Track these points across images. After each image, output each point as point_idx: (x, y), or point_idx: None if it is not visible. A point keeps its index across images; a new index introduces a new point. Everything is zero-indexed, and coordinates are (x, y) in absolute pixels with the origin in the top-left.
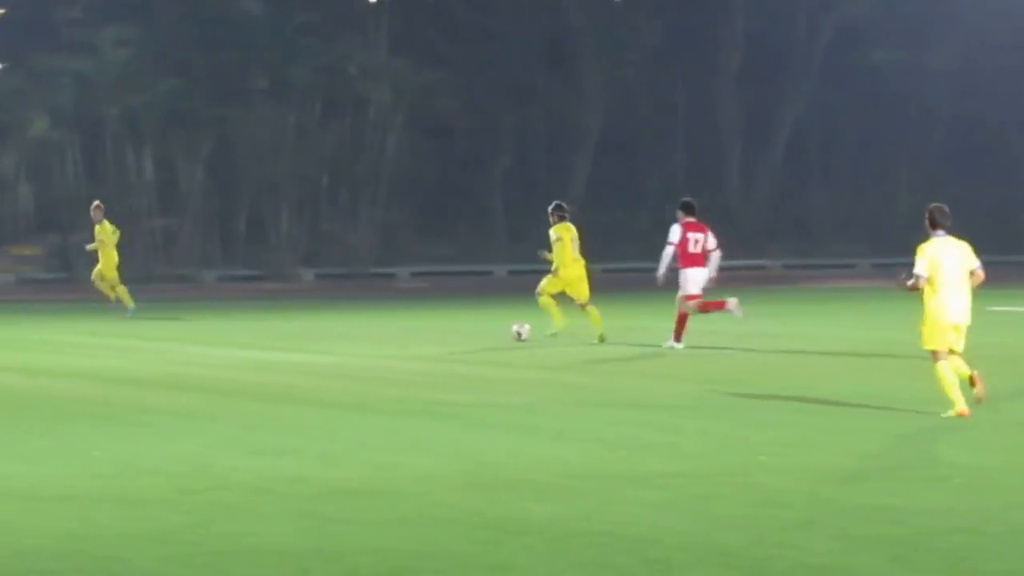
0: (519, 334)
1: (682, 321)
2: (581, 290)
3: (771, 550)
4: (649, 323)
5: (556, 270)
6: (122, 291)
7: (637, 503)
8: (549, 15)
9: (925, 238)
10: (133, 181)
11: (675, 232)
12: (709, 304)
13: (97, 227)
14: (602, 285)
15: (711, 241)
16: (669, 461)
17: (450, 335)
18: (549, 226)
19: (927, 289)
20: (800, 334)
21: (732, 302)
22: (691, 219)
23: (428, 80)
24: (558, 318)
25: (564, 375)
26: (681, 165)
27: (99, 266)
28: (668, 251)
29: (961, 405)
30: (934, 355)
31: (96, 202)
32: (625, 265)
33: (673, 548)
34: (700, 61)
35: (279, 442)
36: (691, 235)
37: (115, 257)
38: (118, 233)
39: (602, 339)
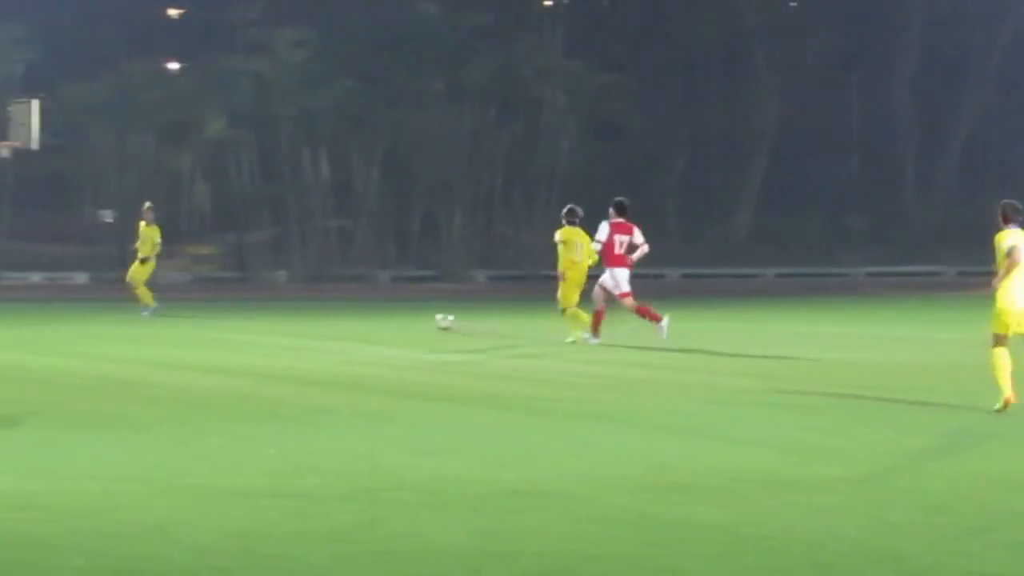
0: (444, 323)
1: (642, 312)
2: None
3: (942, 557)
4: (828, 328)
5: (563, 274)
6: (144, 292)
7: (806, 508)
8: (724, 18)
9: (998, 231)
10: (308, 181)
11: (603, 231)
12: (645, 311)
13: (144, 227)
14: (774, 290)
15: (639, 238)
16: (836, 465)
17: (620, 338)
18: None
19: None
20: (972, 340)
21: (664, 322)
22: (620, 220)
23: (602, 82)
24: (583, 319)
25: (727, 379)
26: (855, 170)
27: (134, 266)
28: (595, 247)
29: (1008, 392)
30: (996, 339)
31: (148, 204)
32: (796, 270)
33: (842, 553)
34: (875, 66)
35: (451, 443)
36: (617, 237)
37: (152, 265)
38: (159, 246)
39: (575, 341)
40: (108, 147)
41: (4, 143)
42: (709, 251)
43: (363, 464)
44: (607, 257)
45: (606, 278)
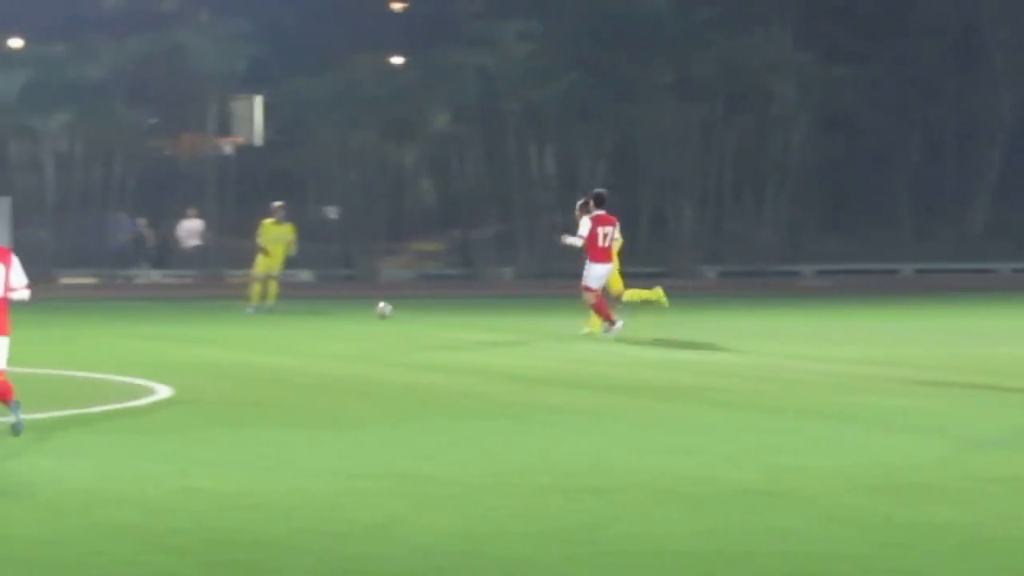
0: (383, 313)
1: (599, 309)
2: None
3: None
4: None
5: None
6: (256, 289)
7: None
8: (959, 8)
9: None
10: (534, 176)
11: (585, 224)
12: (603, 308)
13: (271, 224)
14: (1012, 285)
15: (616, 232)
16: None
17: (853, 335)
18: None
19: None
20: None
21: (618, 325)
22: (601, 212)
23: (834, 75)
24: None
25: (954, 375)
26: None
27: (263, 261)
28: (576, 242)
29: None
30: None
31: (279, 203)
32: None
33: None
34: None
35: (681, 442)
36: (600, 229)
37: (272, 259)
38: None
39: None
40: (331, 143)
41: (227, 139)
42: (943, 246)
43: (590, 463)
44: (590, 250)
45: (589, 273)
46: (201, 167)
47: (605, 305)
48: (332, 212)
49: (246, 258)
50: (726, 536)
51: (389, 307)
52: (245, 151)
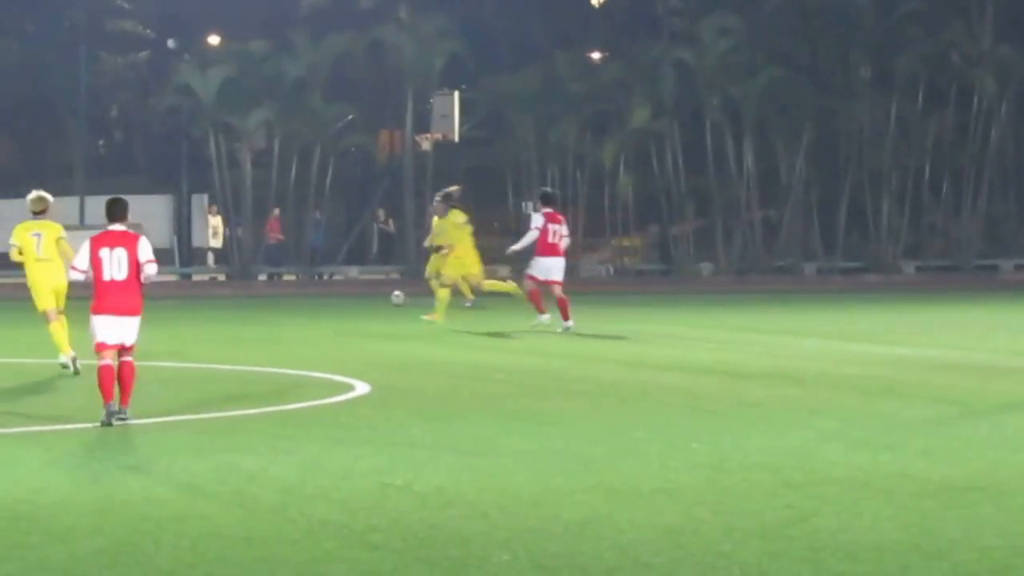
0: (398, 301)
1: (533, 298)
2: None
3: None
4: None
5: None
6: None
7: None
8: None
9: None
10: (733, 172)
11: (538, 220)
12: (536, 298)
13: (437, 221)
14: None
15: (565, 228)
16: None
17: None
18: None
19: None
20: None
21: (545, 317)
22: (550, 210)
23: None
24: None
25: None
26: None
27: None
28: (533, 235)
29: None
30: None
31: (439, 196)
32: None
33: None
34: None
35: (880, 437)
36: (551, 226)
37: (471, 254)
38: (467, 228)
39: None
40: (530, 139)
41: (426, 135)
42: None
43: (792, 458)
44: (541, 245)
45: (536, 265)
46: (399, 164)
47: (539, 296)
48: (530, 208)
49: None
50: (924, 531)
51: (402, 295)
52: (443, 147)
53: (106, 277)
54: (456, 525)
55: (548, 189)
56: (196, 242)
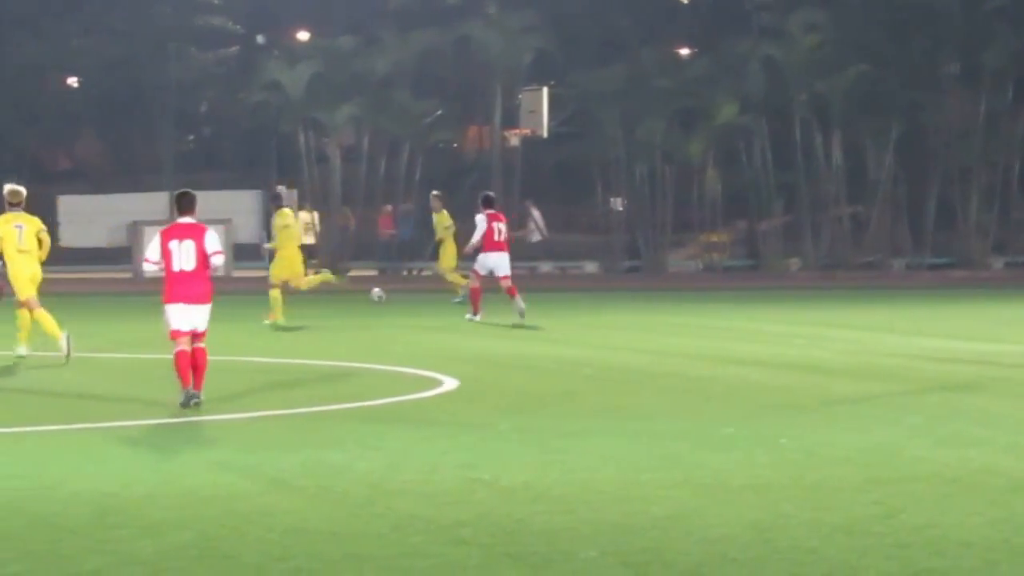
0: (378, 297)
1: (473, 295)
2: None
3: None
4: None
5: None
6: (455, 277)
7: None
8: None
9: None
10: (821, 167)
11: (482, 221)
12: (477, 295)
13: (436, 216)
14: None
15: (505, 227)
16: None
17: None
18: None
19: None
20: None
21: (476, 317)
22: (492, 211)
23: None
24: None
25: None
26: None
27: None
28: (477, 236)
29: None
30: None
31: (434, 192)
32: None
33: None
34: None
35: (968, 432)
36: (495, 224)
37: (453, 249)
38: (453, 227)
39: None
40: (618, 134)
41: (514, 131)
42: None
43: (878, 454)
44: (486, 243)
45: (481, 260)
46: (487, 159)
47: (479, 294)
48: (618, 204)
49: (538, 249)
50: (1013, 526)
51: (381, 292)
52: (530, 143)
53: (176, 268)
54: (543, 520)
55: (489, 193)
56: None
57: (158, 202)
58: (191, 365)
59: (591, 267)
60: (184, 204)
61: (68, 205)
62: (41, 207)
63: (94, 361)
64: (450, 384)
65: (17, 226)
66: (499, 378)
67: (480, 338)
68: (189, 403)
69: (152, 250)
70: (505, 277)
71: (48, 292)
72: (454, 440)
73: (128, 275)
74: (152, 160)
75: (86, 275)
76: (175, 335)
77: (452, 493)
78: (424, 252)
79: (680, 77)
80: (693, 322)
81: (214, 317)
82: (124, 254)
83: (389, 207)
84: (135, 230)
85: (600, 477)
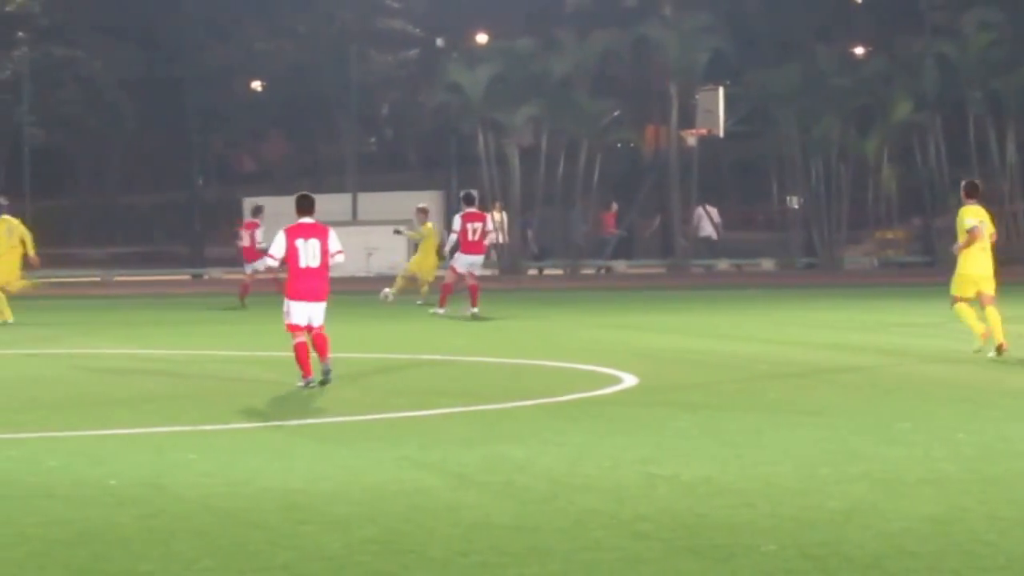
0: (386, 296)
1: (446, 290)
2: None
3: None
4: None
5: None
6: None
7: None
8: None
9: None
10: (995, 164)
11: (456, 222)
12: (448, 292)
13: (421, 227)
14: None
15: (489, 225)
16: None
17: None
18: None
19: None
20: None
21: (441, 311)
22: (472, 210)
23: None
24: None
25: None
26: None
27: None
28: (452, 238)
29: (983, 329)
30: (956, 299)
31: (421, 205)
32: None
33: None
34: None
35: None
36: (469, 225)
37: (432, 258)
38: (438, 237)
39: None
40: (794, 133)
41: (690, 131)
42: None
43: None
44: (462, 244)
45: (458, 259)
46: (664, 159)
47: (451, 291)
48: (795, 202)
49: (703, 248)
50: None
51: (389, 291)
52: (707, 143)
53: (302, 264)
54: (723, 514)
55: (470, 191)
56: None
57: (341, 203)
58: (317, 347)
59: (768, 264)
60: (305, 205)
61: (253, 206)
62: (227, 208)
63: (279, 360)
64: (629, 380)
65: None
66: (677, 374)
67: (657, 334)
68: (325, 380)
69: (277, 247)
70: (473, 277)
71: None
72: (634, 436)
73: None
74: (335, 162)
75: (265, 276)
76: (294, 328)
77: (633, 488)
78: (602, 251)
79: (855, 75)
80: (869, 318)
81: (399, 315)
82: None
83: (615, 205)
84: None
85: (778, 471)
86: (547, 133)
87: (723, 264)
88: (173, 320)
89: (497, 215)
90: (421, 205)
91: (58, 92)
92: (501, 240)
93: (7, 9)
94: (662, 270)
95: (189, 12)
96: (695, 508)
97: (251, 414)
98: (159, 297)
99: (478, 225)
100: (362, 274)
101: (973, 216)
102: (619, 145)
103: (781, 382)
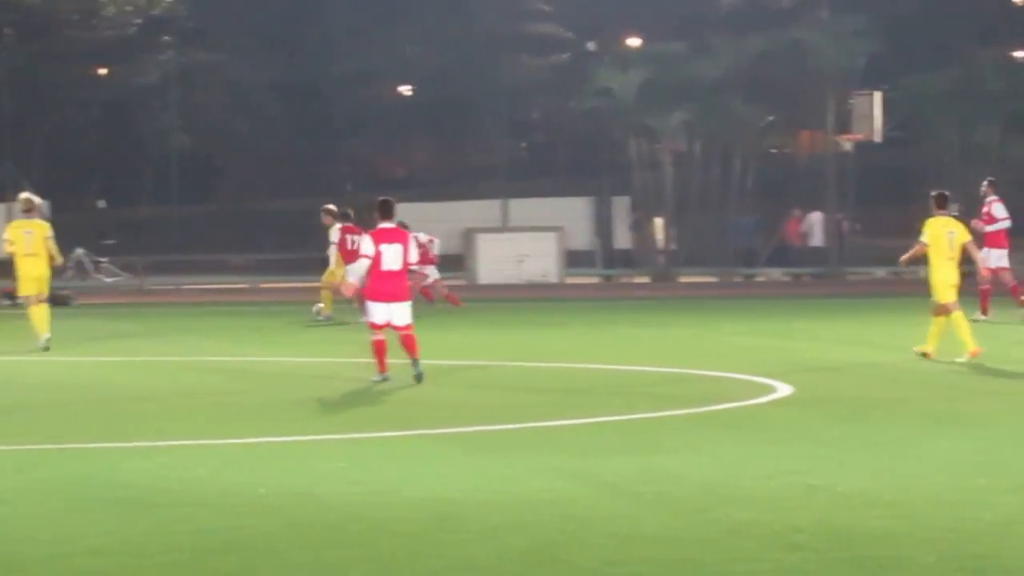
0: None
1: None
2: None
3: None
4: None
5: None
6: (326, 296)
7: None
8: None
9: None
10: None
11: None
12: (427, 293)
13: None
14: None
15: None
16: None
17: None
18: None
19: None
20: None
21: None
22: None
23: None
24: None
25: None
26: None
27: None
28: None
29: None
30: (944, 308)
31: (326, 206)
32: None
33: None
34: None
35: None
36: (349, 236)
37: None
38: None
39: None
40: (953, 139)
41: (846, 136)
42: None
43: None
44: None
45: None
46: (820, 165)
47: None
48: (954, 209)
49: (869, 256)
50: None
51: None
52: (864, 148)
53: (384, 267)
54: (880, 525)
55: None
56: (617, 244)
57: (492, 209)
58: (406, 346)
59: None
60: (386, 210)
61: (403, 213)
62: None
63: (425, 367)
64: (783, 390)
65: (27, 232)
66: (831, 384)
67: (811, 343)
68: (383, 381)
69: (368, 247)
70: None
71: None
72: (788, 447)
73: (462, 282)
74: (485, 167)
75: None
76: (375, 327)
77: (787, 499)
78: (758, 259)
79: (1015, 79)
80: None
81: (553, 324)
82: (457, 261)
83: (798, 212)
84: (469, 237)
85: (934, 483)
86: (700, 138)
87: (880, 272)
88: (320, 327)
89: (658, 220)
90: (328, 206)
91: (204, 97)
92: (660, 246)
93: (153, 12)
94: (816, 277)
95: (335, 15)
96: (851, 519)
97: (398, 421)
98: (304, 304)
99: (356, 237)
100: (513, 281)
101: (935, 229)
102: (773, 151)
103: (934, 392)
